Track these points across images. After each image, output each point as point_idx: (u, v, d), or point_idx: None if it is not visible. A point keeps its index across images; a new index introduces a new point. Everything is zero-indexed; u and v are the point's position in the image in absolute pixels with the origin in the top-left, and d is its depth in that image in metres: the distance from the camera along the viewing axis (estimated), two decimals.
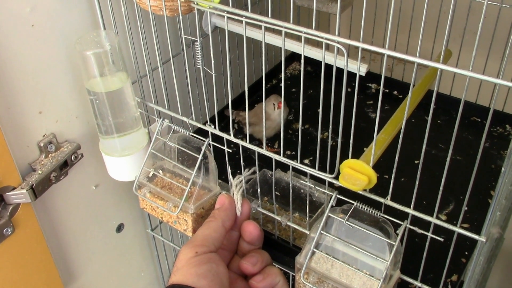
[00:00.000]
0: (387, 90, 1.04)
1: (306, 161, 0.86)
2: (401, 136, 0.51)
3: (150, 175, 0.72)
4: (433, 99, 0.47)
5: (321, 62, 0.52)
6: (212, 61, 0.62)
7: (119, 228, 0.93)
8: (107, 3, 0.69)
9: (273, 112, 0.85)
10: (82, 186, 0.82)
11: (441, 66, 0.43)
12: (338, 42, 0.49)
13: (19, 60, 0.66)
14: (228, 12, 0.56)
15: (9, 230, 0.68)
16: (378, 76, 1.03)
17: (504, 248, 0.78)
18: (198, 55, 0.72)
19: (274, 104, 0.84)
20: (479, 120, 0.95)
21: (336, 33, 0.48)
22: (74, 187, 0.79)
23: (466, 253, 0.71)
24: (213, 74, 0.62)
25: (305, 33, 0.50)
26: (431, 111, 0.49)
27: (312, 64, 1.10)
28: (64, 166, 0.74)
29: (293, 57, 1.15)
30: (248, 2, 0.55)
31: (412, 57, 0.45)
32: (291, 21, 0.51)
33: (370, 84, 1.05)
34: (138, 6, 0.68)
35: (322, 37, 0.49)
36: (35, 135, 0.71)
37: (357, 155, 0.56)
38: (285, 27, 0.51)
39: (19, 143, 0.69)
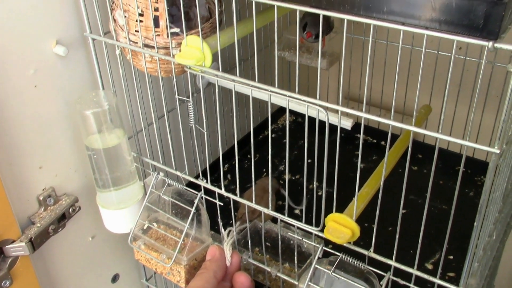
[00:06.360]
0: (375, 141, 1.07)
1: (297, 211, 0.88)
2: (380, 195, 0.54)
3: (145, 227, 0.75)
4: (408, 158, 0.50)
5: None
6: (204, 120, 0.66)
7: (115, 279, 0.95)
8: (106, 65, 0.73)
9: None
10: (79, 238, 0.84)
11: (412, 128, 0.47)
12: (320, 106, 0.53)
13: (21, 118, 0.69)
14: (218, 76, 0.60)
15: (7, 283, 0.69)
16: (366, 127, 1.07)
17: None
18: (191, 114, 0.75)
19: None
20: (464, 169, 0.98)
21: (317, 96, 0.52)
22: (71, 238, 0.81)
23: None
24: (205, 132, 0.66)
25: (289, 96, 0.54)
26: (407, 164, 0.52)
27: (302, 116, 1.14)
28: (62, 218, 0.76)
29: (283, 109, 1.19)
30: (236, 63, 0.59)
31: (386, 119, 0.48)
32: (276, 85, 0.55)
33: (358, 135, 1.09)
34: (135, 68, 0.72)
35: (304, 101, 0.53)
36: (35, 189, 0.74)
37: (345, 204, 0.58)
38: (271, 91, 0.55)
39: (20, 197, 0.72)
